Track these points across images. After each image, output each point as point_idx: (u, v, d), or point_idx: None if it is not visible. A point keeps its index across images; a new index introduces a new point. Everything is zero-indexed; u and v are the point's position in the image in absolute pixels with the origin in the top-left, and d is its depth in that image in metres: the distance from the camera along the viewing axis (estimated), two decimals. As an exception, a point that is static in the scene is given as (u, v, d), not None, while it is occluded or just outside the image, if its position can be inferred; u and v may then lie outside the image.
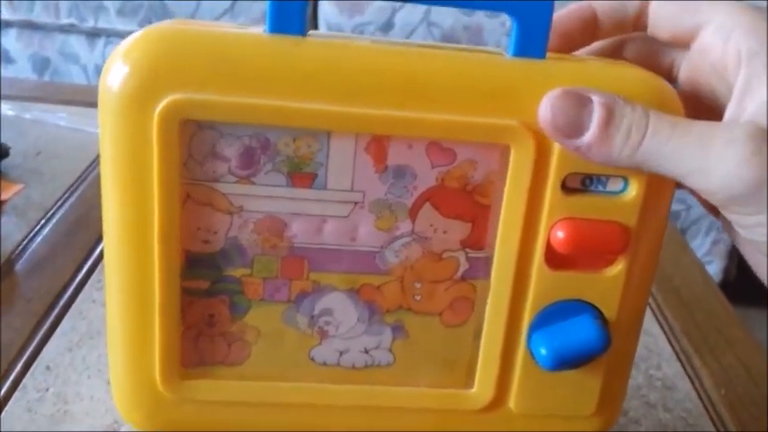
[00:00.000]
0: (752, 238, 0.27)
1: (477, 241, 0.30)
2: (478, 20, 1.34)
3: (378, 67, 0.28)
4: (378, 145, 0.28)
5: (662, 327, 0.47)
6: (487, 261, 0.30)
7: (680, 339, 0.46)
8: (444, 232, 0.30)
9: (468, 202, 0.29)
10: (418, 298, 0.31)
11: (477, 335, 0.31)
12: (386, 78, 0.27)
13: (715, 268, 1.39)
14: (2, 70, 1.43)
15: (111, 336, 0.31)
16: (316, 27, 1.40)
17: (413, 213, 0.30)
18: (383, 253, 0.30)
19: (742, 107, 0.27)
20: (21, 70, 1.44)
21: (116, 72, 0.27)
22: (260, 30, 0.28)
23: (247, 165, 0.28)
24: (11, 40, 1.44)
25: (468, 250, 0.30)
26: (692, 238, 1.39)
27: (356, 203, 0.29)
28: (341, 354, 0.32)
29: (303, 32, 0.27)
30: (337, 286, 0.30)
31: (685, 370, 0.44)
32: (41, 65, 1.44)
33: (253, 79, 0.27)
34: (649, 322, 0.48)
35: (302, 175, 0.29)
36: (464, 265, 0.30)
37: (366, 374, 0.32)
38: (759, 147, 0.25)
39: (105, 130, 0.28)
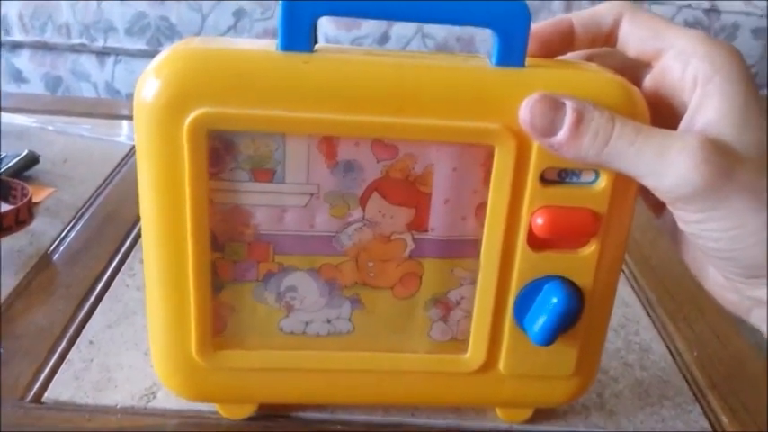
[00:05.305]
0: (691, 232, 0.31)
1: (421, 224, 0.33)
2: (470, 31, 1.39)
3: (379, 80, 0.31)
4: (328, 143, 0.31)
5: (640, 299, 0.52)
6: (431, 242, 0.34)
7: (656, 310, 0.51)
8: (392, 217, 0.33)
9: (412, 191, 0.33)
10: (372, 275, 0.34)
11: (427, 305, 0.35)
12: (387, 89, 0.31)
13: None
14: (16, 89, 1.48)
15: (151, 313, 0.35)
16: (315, 41, 1.45)
17: (363, 202, 0.33)
18: (338, 237, 0.33)
19: (694, 121, 0.31)
20: (34, 89, 1.48)
21: (149, 86, 0.30)
22: (272, 45, 0.31)
23: (214, 163, 0.31)
24: (24, 61, 1.48)
25: (413, 232, 0.34)
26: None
27: (312, 195, 0.32)
28: (306, 324, 0.35)
29: (310, 49, 0.31)
30: (300, 266, 0.34)
31: (661, 335, 0.48)
32: (54, 83, 1.49)
33: (268, 94, 0.30)
34: (628, 296, 0.52)
35: (263, 171, 0.32)
36: (411, 246, 0.34)
37: (330, 341, 0.35)
38: (708, 156, 0.28)
39: (140, 136, 0.31)
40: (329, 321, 0.35)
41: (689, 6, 1.43)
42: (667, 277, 0.55)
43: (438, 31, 1.39)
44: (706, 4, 1.43)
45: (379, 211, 0.33)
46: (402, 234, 0.34)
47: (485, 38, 1.39)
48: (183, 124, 0.30)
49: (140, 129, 0.31)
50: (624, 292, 0.53)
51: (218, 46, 0.32)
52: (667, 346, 0.47)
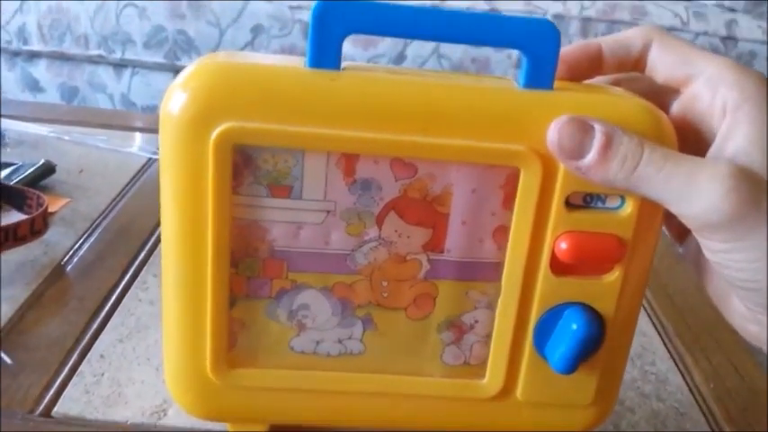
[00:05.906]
0: (716, 261, 0.30)
1: (438, 245, 0.33)
2: (486, 52, 1.39)
3: (406, 98, 0.31)
4: (347, 161, 0.31)
5: (657, 329, 0.51)
6: (447, 263, 0.33)
7: (673, 340, 0.50)
8: (408, 237, 0.33)
9: (429, 211, 0.32)
10: (385, 295, 0.34)
11: (440, 328, 0.35)
12: (414, 108, 0.30)
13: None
14: (32, 98, 1.49)
15: (166, 328, 0.34)
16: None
17: (379, 221, 0.32)
18: (353, 255, 0.33)
19: (723, 148, 0.30)
20: (49, 98, 1.49)
21: (176, 99, 0.30)
22: (300, 62, 0.31)
23: (233, 178, 0.31)
24: (41, 70, 1.49)
25: (429, 253, 0.33)
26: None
27: (329, 212, 0.32)
28: (317, 343, 0.35)
29: (338, 67, 0.30)
30: (313, 284, 0.33)
31: (677, 366, 0.47)
32: (70, 93, 1.50)
33: (296, 110, 0.30)
34: (645, 325, 0.51)
35: (280, 186, 0.32)
36: (426, 266, 0.33)
37: (341, 362, 0.35)
38: (737, 185, 0.28)
39: (165, 149, 0.31)
40: (340, 342, 0.35)
41: (705, 34, 1.43)
42: (685, 307, 0.54)
43: (453, 51, 1.39)
44: (723, 32, 1.43)
45: (396, 231, 0.33)
46: (417, 254, 0.33)
47: (500, 60, 1.39)
48: (209, 138, 0.30)
49: (165, 141, 0.31)
50: (641, 320, 0.52)
51: (245, 61, 0.32)
52: (684, 378, 0.46)
